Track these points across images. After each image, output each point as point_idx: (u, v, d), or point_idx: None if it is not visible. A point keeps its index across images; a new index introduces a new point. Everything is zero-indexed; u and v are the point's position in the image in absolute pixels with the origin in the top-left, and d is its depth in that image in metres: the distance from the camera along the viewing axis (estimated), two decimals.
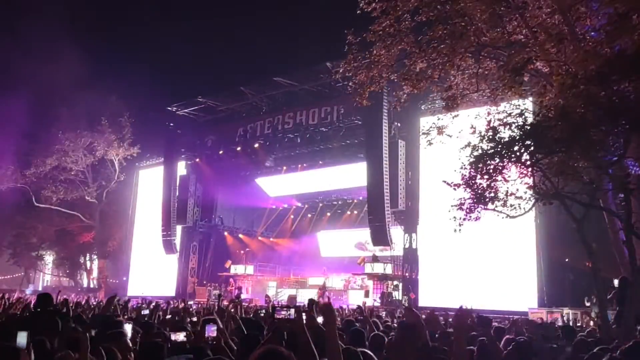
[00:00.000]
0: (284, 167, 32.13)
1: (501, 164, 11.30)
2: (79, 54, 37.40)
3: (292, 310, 4.07)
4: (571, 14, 12.74)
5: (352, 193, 32.32)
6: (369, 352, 4.26)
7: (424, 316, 7.74)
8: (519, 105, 12.25)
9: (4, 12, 37.87)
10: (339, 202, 33.81)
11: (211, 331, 4.84)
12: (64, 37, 36.88)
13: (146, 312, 9.06)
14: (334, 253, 33.78)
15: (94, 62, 39.47)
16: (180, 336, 5.11)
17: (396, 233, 24.62)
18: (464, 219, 12.41)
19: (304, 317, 4.02)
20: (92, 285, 46.48)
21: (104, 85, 37.19)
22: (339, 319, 8.10)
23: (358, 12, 14.34)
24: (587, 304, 16.83)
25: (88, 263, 48.75)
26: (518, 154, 11.14)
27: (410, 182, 24.38)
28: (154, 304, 11.92)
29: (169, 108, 32.60)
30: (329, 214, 34.45)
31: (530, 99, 14.36)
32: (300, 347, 3.61)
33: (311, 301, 5.71)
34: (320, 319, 4.92)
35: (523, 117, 11.38)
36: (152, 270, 34.78)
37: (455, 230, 12.31)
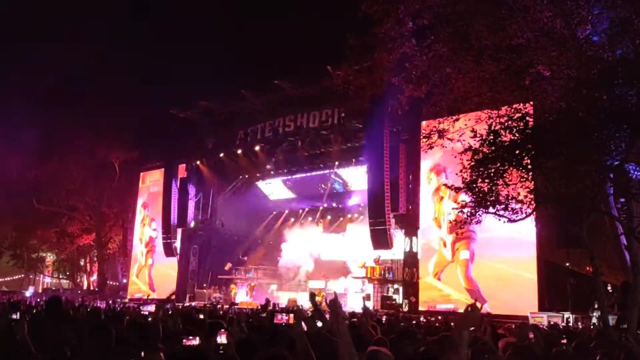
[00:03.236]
0: (285, 170, 32.11)
1: (502, 168, 11.26)
2: (80, 56, 37.49)
3: (291, 315, 4.03)
4: (572, 18, 12.72)
5: (353, 197, 32.29)
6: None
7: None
8: (520, 109, 12.22)
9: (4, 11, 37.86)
10: (340, 206, 33.75)
11: (221, 338, 4.72)
12: (66, 39, 36.96)
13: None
14: (334, 256, 33.68)
15: (95, 64, 39.47)
16: (195, 341, 4.90)
17: (397, 236, 24.60)
18: (465, 223, 12.40)
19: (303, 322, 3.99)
20: (92, 287, 46.44)
21: (105, 88, 37.27)
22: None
23: (359, 15, 14.34)
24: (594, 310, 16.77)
25: (88, 265, 48.72)
26: (519, 157, 11.10)
27: (410, 186, 24.33)
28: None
29: (170, 111, 32.58)
30: (329, 217, 34.39)
31: (532, 102, 14.32)
32: (298, 352, 3.58)
33: (312, 295, 5.68)
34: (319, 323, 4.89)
35: (524, 120, 11.34)
36: (151, 268, 34.89)
37: (456, 234, 12.31)
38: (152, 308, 7.51)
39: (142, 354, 4.26)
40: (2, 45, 38.71)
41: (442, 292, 22.55)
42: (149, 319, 7.33)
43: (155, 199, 35.30)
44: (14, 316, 5.10)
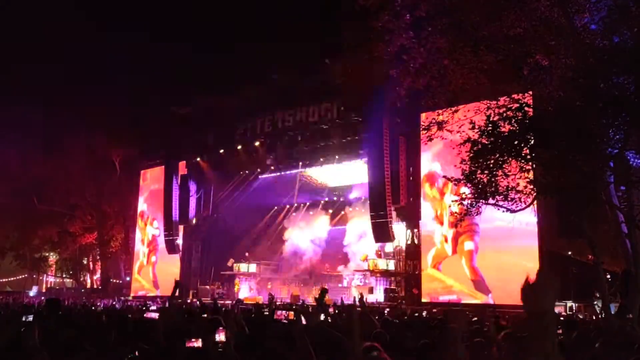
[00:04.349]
0: (285, 165, 32.10)
1: (501, 159, 11.25)
2: (79, 54, 37.47)
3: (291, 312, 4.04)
4: (570, 6, 12.66)
5: (353, 190, 32.31)
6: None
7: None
8: (518, 99, 12.19)
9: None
10: (341, 199, 33.77)
11: (220, 335, 4.70)
12: (66, 37, 36.92)
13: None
14: (336, 251, 33.72)
15: (95, 62, 39.42)
16: (197, 342, 4.76)
17: (398, 229, 24.62)
18: (465, 214, 12.41)
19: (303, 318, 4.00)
20: (95, 286, 46.54)
21: (105, 86, 37.23)
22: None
23: (356, 7, 14.32)
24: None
25: (91, 264, 48.80)
26: (518, 148, 11.10)
27: (411, 178, 24.32)
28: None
29: (169, 108, 32.56)
30: (331, 211, 34.41)
31: (530, 92, 14.29)
32: (298, 348, 3.59)
33: (324, 291, 5.73)
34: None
35: (522, 111, 11.32)
36: (155, 265, 34.99)
37: (456, 225, 12.32)
38: (155, 315, 7.51)
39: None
40: (1, 44, 38.56)
41: (444, 284, 22.62)
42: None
43: (156, 197, 35.34)
44: (28, 318, 4.99)
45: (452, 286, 22.37)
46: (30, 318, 5.02)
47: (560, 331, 7.55)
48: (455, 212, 13.04)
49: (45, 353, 4.33)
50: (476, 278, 21.65)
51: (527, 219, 18.62)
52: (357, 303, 12.58)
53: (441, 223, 23.06)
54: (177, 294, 8.12)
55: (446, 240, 22.85)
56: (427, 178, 23.74)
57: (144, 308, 14.64)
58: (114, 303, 22.60)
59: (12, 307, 13.27)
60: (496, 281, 20.89)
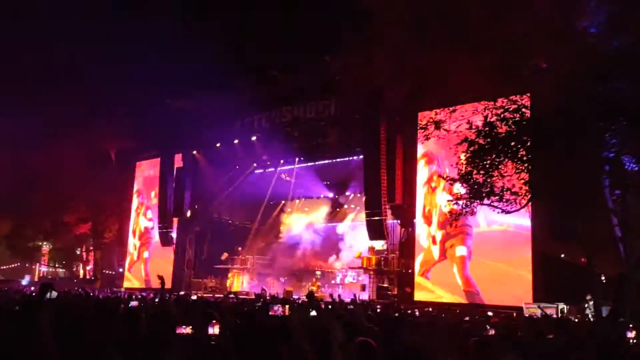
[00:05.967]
0: (281, 161, 32.10)
1: (497, 160, 11.30)
2: (76, 45, 37.27)
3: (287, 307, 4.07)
4: (570, 10, 12.69)
5: (349, 187, 32.34)
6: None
7: None
8: (516, 101, 12.22)
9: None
10: (336, 196, 33.81)
11: (214, 329, 4.73)
12: (62, 29, 36.70)
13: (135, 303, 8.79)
14: (331, 247, 33.76)
15: (91, 53, 39.19)
16: (187, 329, 4.86)
17: (393, 227, 24.64)
18: (460, 214, 12.44)
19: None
20: (88, 276, 46.43)
21: (102, 77, 36.99)
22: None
23: (357, 7, 14.34)
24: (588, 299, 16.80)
25: (84, 254, 48.67)
26: (514, 149, 11.14)
27: (407, 177, 24.32)
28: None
29: (167, 100, 32.47)
30: (326, 207, 34.43)
31: (528, 94, 14.32)
32: (292, 343, 3.61)
33: (310, 293, 5.80)
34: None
35: (520, 112, 11.36)
36: (147, 262, 34.86)
37: (450, 224, 12.35)
38: (136, 303, 7.65)
39: None
40: None
41: (434, 294, 21.74)
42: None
43: (150, 184, 35.28)
44: (48, 296, 4.93)
45: (442, 297, 21.34)
46: (50, 295, 4.94)
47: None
48: (448, 213, 13.06)
49: (52, 338, 4.27)
50: (469, 289, 20.64)
51: (521, 221, 18.68)
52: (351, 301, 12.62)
53: (429, 223, 22.54)
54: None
55: (434, 242, 22.12)
56: (424, 157, 23.30)
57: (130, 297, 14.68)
58: (108, 295, 22.51)
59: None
60: (488, 283, 20.37)
